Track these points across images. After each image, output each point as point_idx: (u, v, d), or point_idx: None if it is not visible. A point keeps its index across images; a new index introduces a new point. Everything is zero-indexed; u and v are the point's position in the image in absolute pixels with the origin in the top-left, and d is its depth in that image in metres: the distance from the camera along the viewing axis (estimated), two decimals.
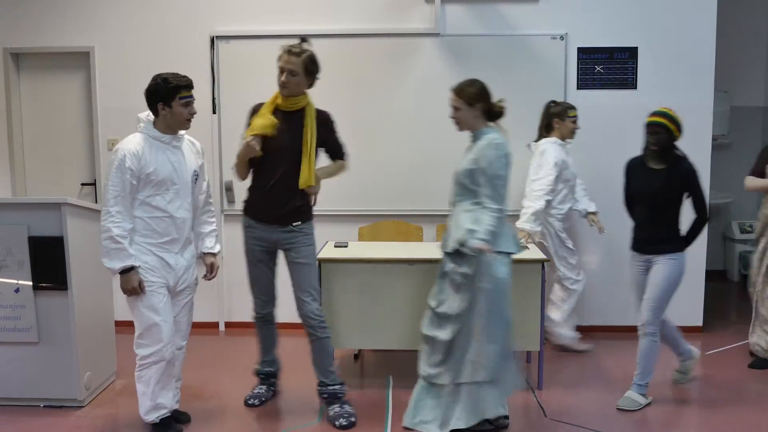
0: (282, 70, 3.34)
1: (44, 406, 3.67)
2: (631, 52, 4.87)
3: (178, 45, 4.92)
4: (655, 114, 3.59)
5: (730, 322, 5.35)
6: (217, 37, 4.90)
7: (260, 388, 3.78)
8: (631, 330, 4.98)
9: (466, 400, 3.25)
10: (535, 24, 4.85)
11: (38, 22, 5.05)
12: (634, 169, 3.74)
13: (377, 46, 4.89)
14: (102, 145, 5.06)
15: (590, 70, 4.89)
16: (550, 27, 4.85)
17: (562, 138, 4.40)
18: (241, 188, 3.64)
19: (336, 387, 3.53)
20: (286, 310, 3.78)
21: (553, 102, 4.47)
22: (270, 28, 4.89)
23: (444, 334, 3.27)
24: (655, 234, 3.63)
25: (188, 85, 3.13)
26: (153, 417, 3.25)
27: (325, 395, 3.54)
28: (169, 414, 3.30)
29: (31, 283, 3.55)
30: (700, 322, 4.99)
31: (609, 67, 4.88)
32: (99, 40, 5.02)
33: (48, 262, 3.53)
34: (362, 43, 4.89)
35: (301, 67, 3.34)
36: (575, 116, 4.42)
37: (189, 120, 3.18)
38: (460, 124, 3.29)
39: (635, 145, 4.86)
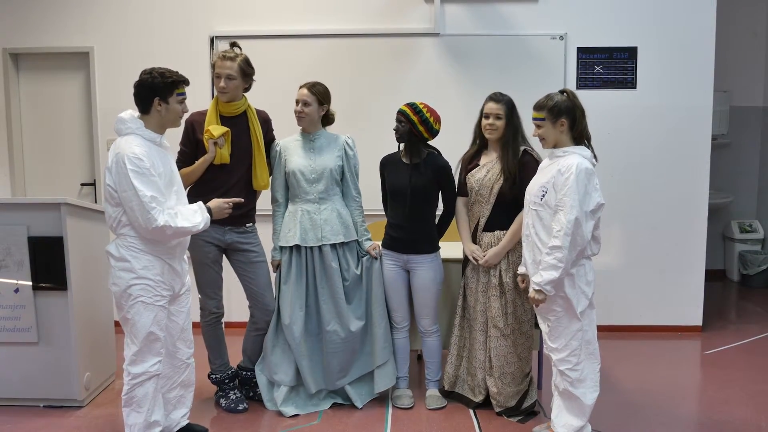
0: (219, 76, 3.44)
1: (44, 406, 3.67)
2: (631, 52, 4.87)
3: (178, 45, 4.92)
4: (405, 104, 3.53)
5: (730, 322, 5.35)
6: (216, 37, 4.90)
7: (235, 393, 3.71)
8: (631, 330, 5.02)
9: None
10: (534, 24, 4.85)
11: (38, 23, 5.05)
12: (389, 164, 3.64)
13: (377, 46, 4.89)
14: (101, 145, 5.05)
15: (590, 70, 4.89)
16: (550, 27, 4.86)
17: None
18: None
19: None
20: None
21: None
22: (269, 28, 4.90)
23: None
24: (413, 233, 3.55)
25: (185, 80, 3.02)
26: None
27: (254, 379, 3.72)
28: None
29: (30, 283, 3.55)
30: (699, 322, 4.99)
31: (608, 66, 4.88)
32: (98, 41, 5.03)
33: (47, 263, 3.53)
34: (362, 43, 4.89)
35: (237, 70, 3.45)
36: None
37: (181, 117, 3.06)
38: None
39: (635, 145, 4.91)
